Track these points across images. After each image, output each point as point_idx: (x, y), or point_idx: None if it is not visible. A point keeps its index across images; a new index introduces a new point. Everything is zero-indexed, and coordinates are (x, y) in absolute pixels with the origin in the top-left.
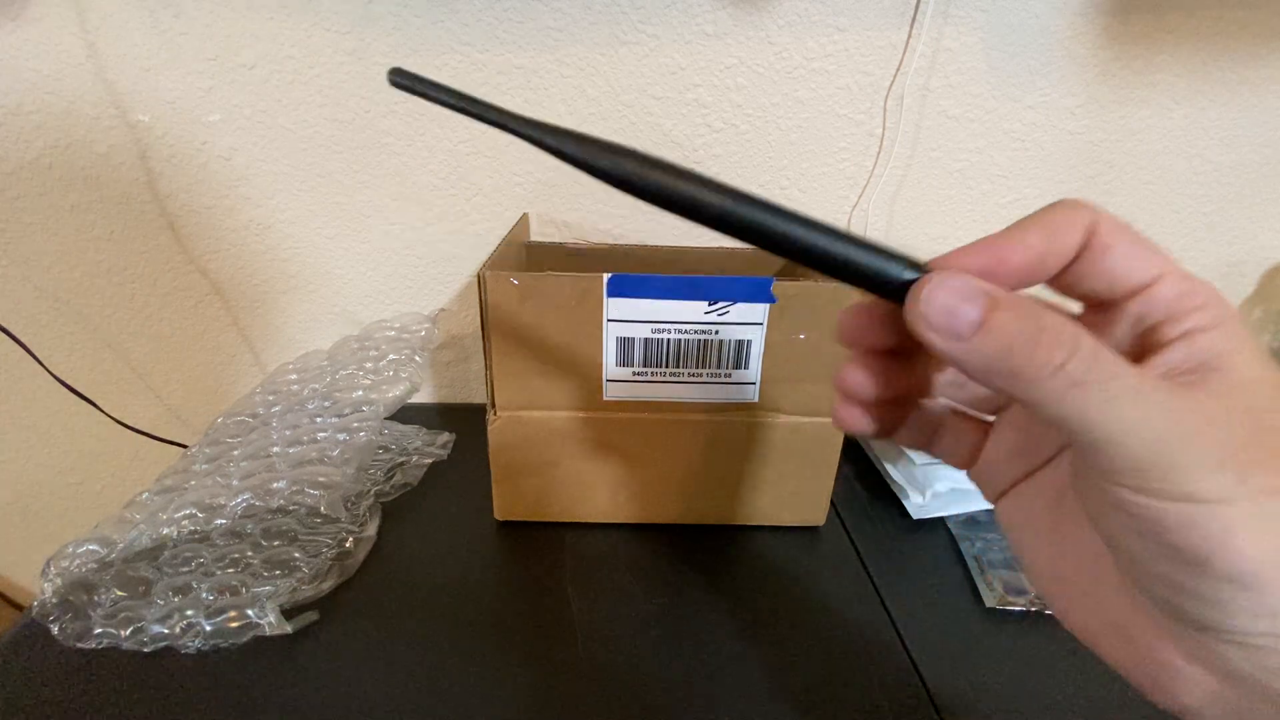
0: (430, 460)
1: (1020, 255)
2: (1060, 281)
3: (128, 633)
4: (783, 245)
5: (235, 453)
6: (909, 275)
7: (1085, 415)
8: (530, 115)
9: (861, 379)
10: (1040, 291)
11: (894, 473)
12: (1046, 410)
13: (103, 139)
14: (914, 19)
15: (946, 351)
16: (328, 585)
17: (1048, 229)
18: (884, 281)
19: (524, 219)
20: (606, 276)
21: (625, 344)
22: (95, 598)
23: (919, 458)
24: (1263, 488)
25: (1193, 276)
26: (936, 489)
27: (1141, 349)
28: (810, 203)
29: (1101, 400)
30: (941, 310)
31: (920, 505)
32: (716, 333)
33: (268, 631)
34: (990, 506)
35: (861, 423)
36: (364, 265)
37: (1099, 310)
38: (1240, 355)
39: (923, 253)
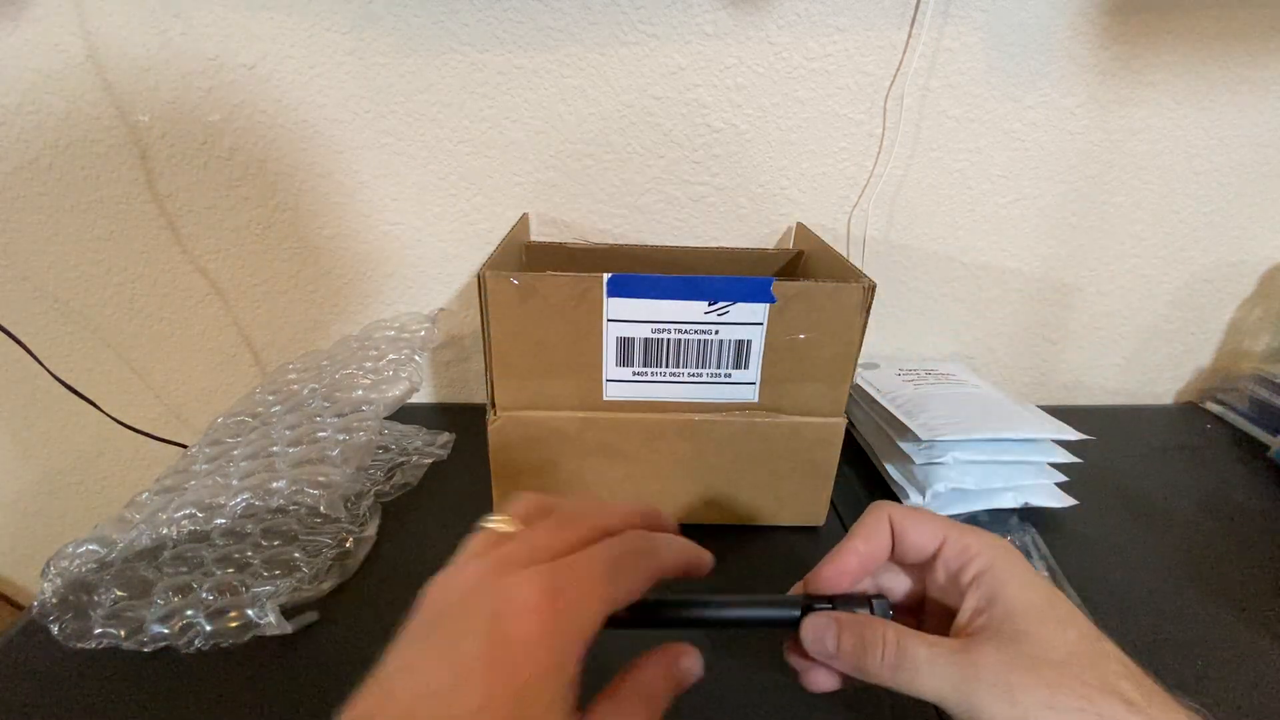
0: (430, 460)
1: (854, 559)
2: (896, 559)
3: (127, 633)
4: (702, 623)
5: (235, 453)
6: (795, 614)
7: (910, 686)
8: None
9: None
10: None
11: (894, 473)
12: (889, 686)
13: (103, 139)
14: (914, 19)
15: (827, 664)
16: (328, 585)
17: (866, 533)
18: (783, 622)
19: (524, 219)
20: (606, 276)
21: (625, 344)
22: (95, 598)
23: (919, 457)
24: (1032, 702)
25: (966, 531)
26: (936, 489)
27: (958, 591)
28: (810, 203)
29: (911, 675)
30: (814, 642)
31: (921, 505)
32: (716, 333)
33: (268, 631)
34: (990, 507)
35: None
36: (364, 265)
37: (926, 570)
38: (1011, 584)
39: (922, 253)
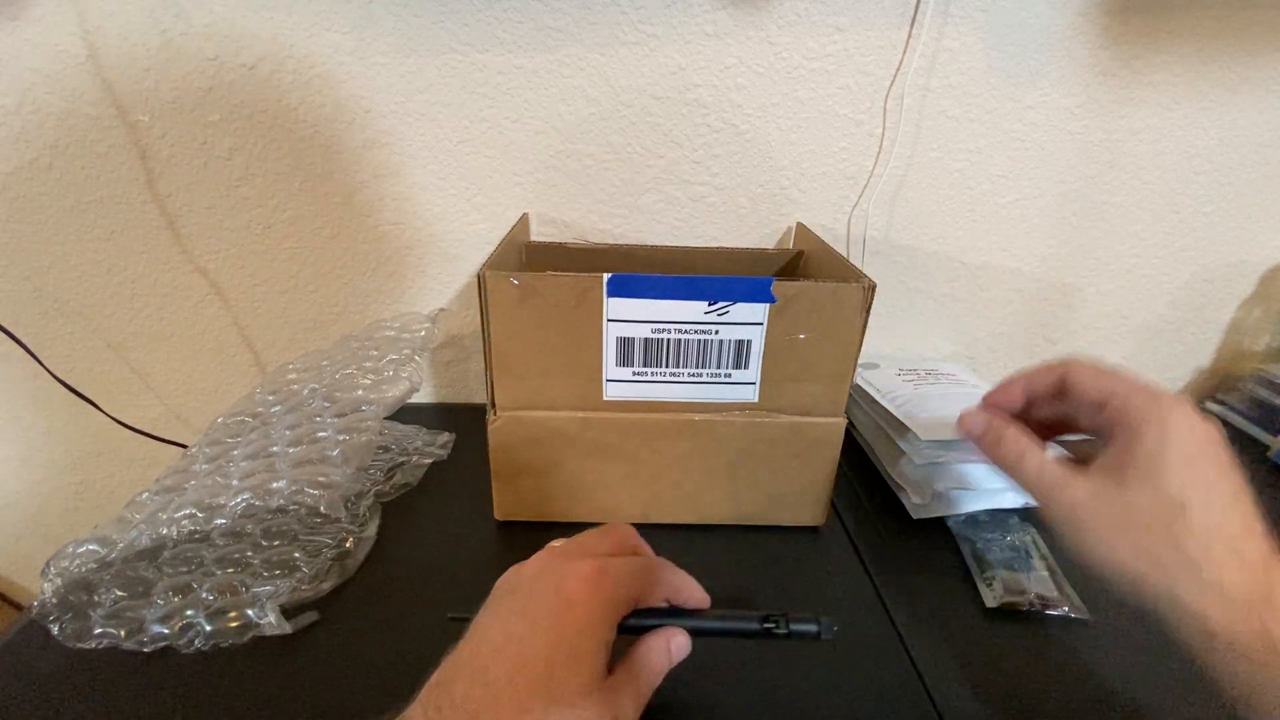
0: (430, 460)
1: (1019, 387)
2: (1067, 400)
3: (127, 633)
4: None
5: (235, 453)
6: (754, 626)
7: (1016, 479)
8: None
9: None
10: None
11: (894, 473)
12: (1007, 473)
13: (103, 139)
14: (914, 19)
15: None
16: (328, 585)
17: (1039, 371)
18: (745, 632)
19: (524, 219)
20: (606, 276)
21: (625, 344)
22: (95, 598)
23: (919, 457)
24: (1129, 527)
25: (1135, 392)
26: (936, 489)
27: (1108, 437)
28: (810, 203)
29: (1017, 473)
30: (967, 429)
31: (920, 505)
32: (716, 333)
33: (268, 631)
34: (991, 506)
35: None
36: (364, 265)
37: (1095, 412)
38: (1150, 455)
39: (922, 253)
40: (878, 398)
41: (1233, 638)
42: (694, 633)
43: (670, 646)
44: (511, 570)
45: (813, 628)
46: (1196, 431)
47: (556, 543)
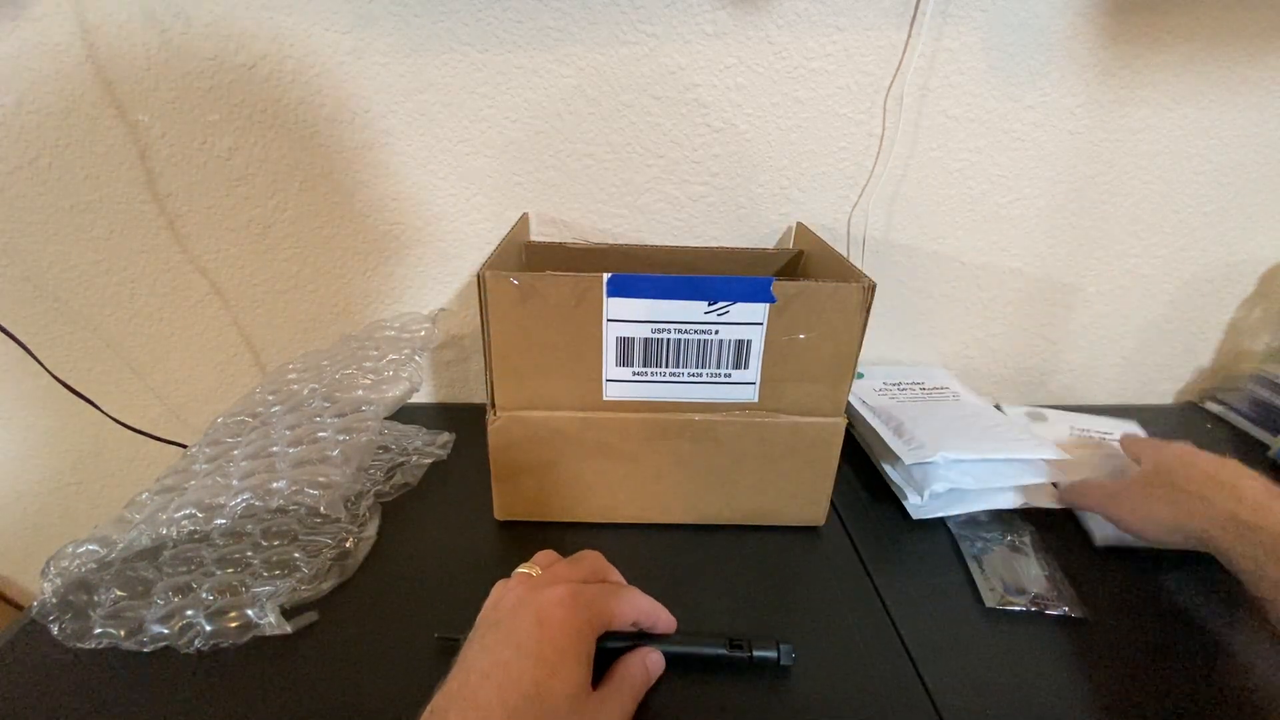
0: (430, 460)
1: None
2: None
3: (127, 633)
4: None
5: (235, 453)
6: (721, 651)
7: (1082, 506)
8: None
9: None
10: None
11: (893, 473)
12: (1081, 508)
13: (103, 139)
14: (914, 19)
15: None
16: (328, 585)
17: (1111, 448)
18: (712, 656)
19: (524, 219)
20: (606, 276)
21: (625, 344)
22: (95, 598)
23: (908, 456)
24: (1151, 497)
25: (1147, 447)
26: (935, 489)
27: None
28: (810, 203)
29: (1081, 501)
30: (1063, 496)
31: (920, 505)
32: (716, 333)
33: (268, 631)
34: (990, 507)
35: None
36: (364, 265)
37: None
38: (1155, 462)
39: (922, 252)
40: (865, 414)
41: (1218, 526)
42: (665, 656)
43: (647, 663)
44: (492, 601)
45: (773, 654)
46: (1174, 443)
47: (525, 567)
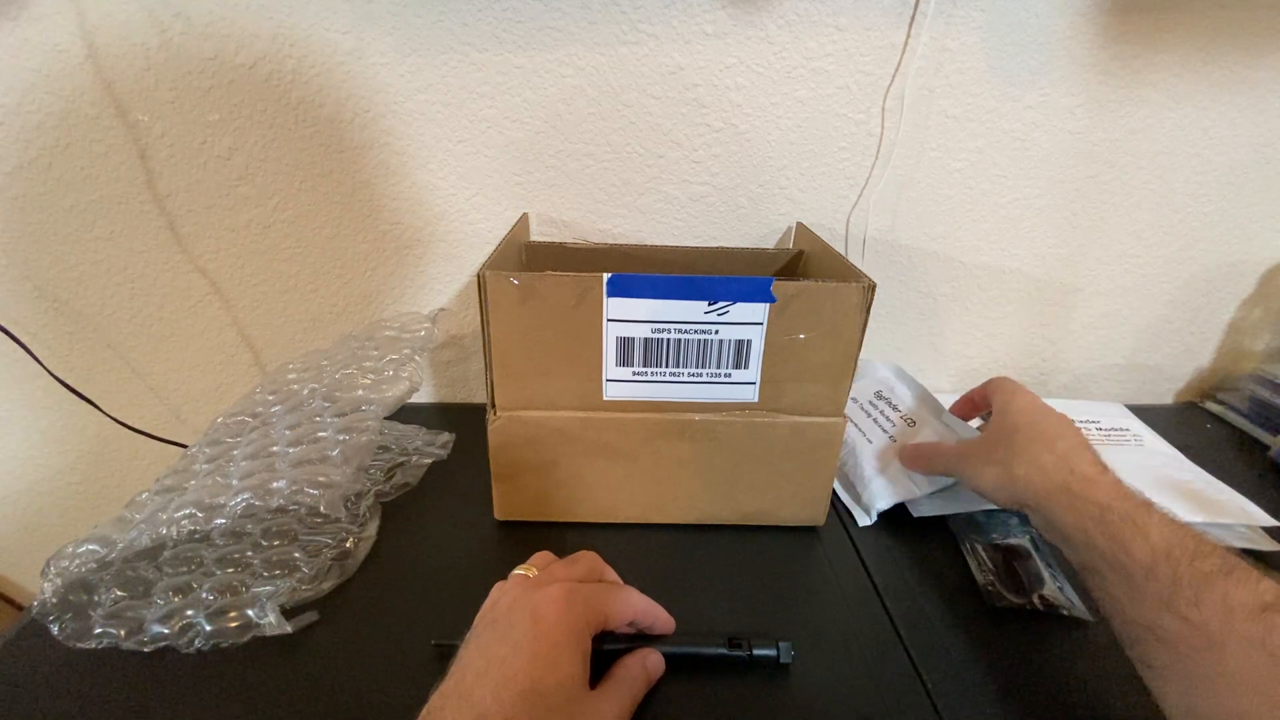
0: (430, 460)
1: (968, 405)
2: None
3: (127, 633)
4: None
5: (235, 453)
6: (721, 650)
7: (933, 470)
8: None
9: None
10: None
11: (842, 491)
12: (935, 474)
13: (103, 139)
14: (914, 19)
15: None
16: (328, 585)
17: (977, 391)
18: (710, 656)
19: (524, 219)
20: (606, 276)
21: (625, 344)
22: (95, 598)
23: (868, 468)
24: (991, 459)
25: (1000, 389)
26: (935, 489)
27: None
28: (810, 203)
29: (931, 465)
30: (907, 462)
31: (920, 505)
32: (716, 333)
33: (268, 631)
34: (990, 507)
35: None
36: (364, 265)
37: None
38: (1009, 409)
39: (922, 252)
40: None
41: (1048, 494)
42: (665, 656)
43: (647, 664)
44: (490, 600)
45: (772, 651)
46: (1023, 395)
47: (522, 568)
